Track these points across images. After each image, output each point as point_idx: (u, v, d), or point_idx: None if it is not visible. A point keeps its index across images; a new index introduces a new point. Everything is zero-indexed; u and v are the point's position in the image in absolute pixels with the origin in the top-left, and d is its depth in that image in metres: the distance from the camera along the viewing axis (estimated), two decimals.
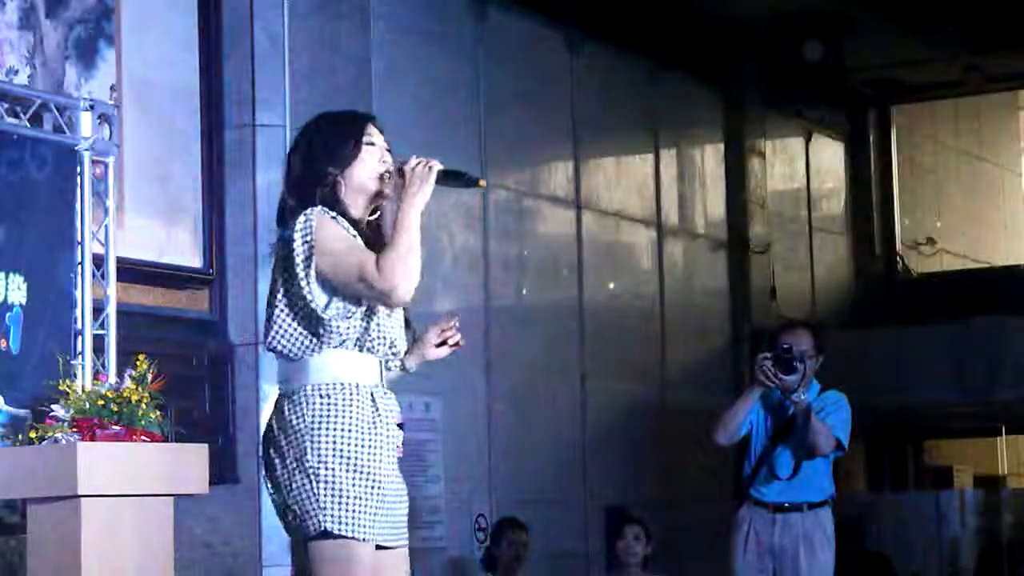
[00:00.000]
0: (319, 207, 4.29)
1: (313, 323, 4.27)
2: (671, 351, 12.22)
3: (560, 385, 10.99)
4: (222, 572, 7.84)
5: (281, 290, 4.33)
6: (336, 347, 4.27)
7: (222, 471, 7.47)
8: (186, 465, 5.61)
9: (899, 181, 15.69)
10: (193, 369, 7.75)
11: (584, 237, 11.33)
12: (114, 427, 5.45)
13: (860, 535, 13.16)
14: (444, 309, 10.07)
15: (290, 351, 4.33)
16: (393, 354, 4.40)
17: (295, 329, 4.30)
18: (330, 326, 4.25)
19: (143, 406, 5.50)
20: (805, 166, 14.52)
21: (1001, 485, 15.68)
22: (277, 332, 4.34)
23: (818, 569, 7.18)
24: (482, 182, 4.39)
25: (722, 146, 13.15)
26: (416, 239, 4.22)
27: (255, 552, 7.83)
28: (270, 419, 4.41)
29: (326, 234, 4.24)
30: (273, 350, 4.39)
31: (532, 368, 10.67)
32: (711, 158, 13.07)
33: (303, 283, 4.24)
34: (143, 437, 5.48)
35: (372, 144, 4.39)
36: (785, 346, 7.13)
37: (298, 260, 4.24)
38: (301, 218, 4.27)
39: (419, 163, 4.29)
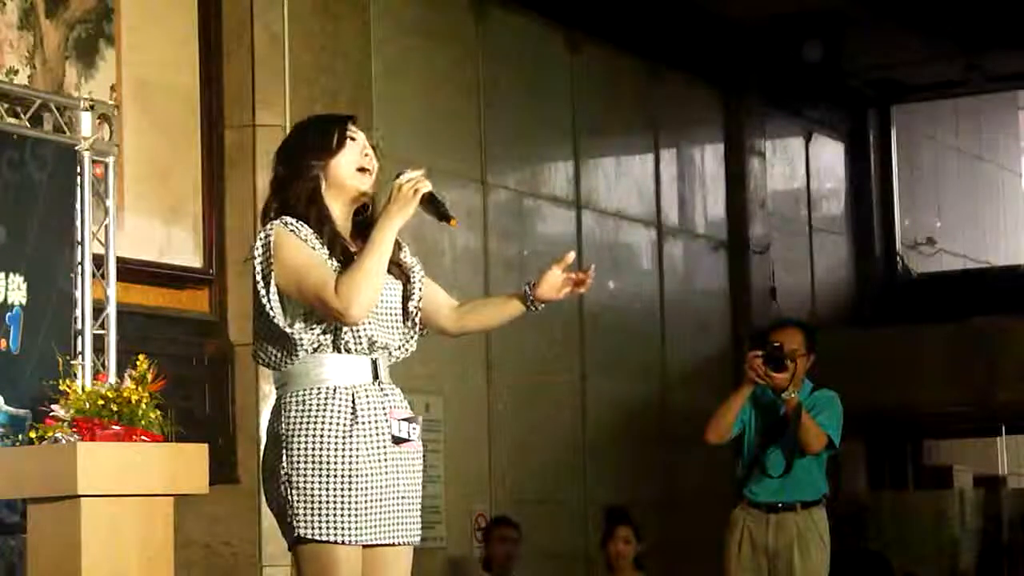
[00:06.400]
0: (280, 220, 4.23)
1: (282, 337, 4.23)
2: (671, 351, 12.21)
3: (560, 385, 10.98)
4: (222, 572, 7.85)
5: (254, 303, 4.29)
6: (314, 353, 4.23)
7: (222, 471, 7.47)
8: (186, 465, 5.62)
9: (899, 181, 15.67)
10: (193, 369, 7.75)
11: (584, 237, 11.32)
12: (114, 427, 5.46)
13: (860, 534, 13.15)
14: None
15: (268, 363, 4.32)
16: (381, 350, 4.30)
17: (268, 342, 4.28)
18: (298, 339, 4.21)
19: (143, 406, 5.51)
20: (805, 166, 14.51)
21: (1001, 485, 15.66)
22: (255, 345, 4.34)
23: (813, 569, 7.18)
24: (454, 221, 4.22)
25: (722, 146, 13.14)
26: (383, 261, 4.16)
27: (255, 552, 7.83)
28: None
29: (285, 253, 4.18)
30: (257, 361, 4.38)
31: (532, 368, 10.67)
32: (711, 158, 13.06)
33: (264, 301, 4.21)
34: (143, 437, 5.49)
35: (354, 139, 4.32)
36: (775, 344, 7.15)
37: (258, 278, 4.22)
38: (261, 233, 4.24)
39: (408, 181, 4.19)
